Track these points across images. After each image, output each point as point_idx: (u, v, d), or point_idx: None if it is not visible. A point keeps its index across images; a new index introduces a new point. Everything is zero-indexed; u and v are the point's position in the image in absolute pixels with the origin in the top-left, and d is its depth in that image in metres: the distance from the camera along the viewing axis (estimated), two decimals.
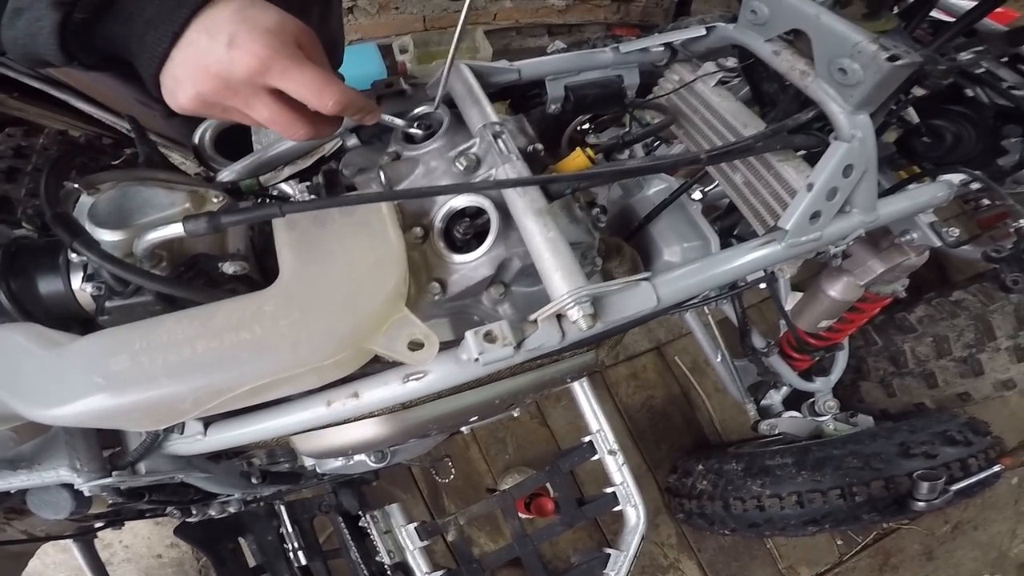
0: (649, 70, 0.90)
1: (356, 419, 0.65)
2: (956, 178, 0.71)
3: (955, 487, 1.13)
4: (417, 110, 0.72)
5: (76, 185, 0.53)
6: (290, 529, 1.12)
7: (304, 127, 0.50)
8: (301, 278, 0.47)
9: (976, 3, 0.72)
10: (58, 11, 0.45)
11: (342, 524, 1.10)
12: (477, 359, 0.49)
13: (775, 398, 1.53)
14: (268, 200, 0.65)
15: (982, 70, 0.69)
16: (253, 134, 0.88)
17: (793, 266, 0.78)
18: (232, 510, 0.95)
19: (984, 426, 1.27)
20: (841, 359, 1.43)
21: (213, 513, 0.91)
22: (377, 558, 1.13)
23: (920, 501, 1.11)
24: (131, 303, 0.50)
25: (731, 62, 0.83)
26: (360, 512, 1.11)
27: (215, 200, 0.53)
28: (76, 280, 0.54)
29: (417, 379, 0.53)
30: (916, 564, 1.83)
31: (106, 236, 0.50)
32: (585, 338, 0.54)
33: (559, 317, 0.52)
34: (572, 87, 0.84)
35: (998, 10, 0.73)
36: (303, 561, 1.16)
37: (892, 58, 0.52)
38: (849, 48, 0.56)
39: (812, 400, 1.49)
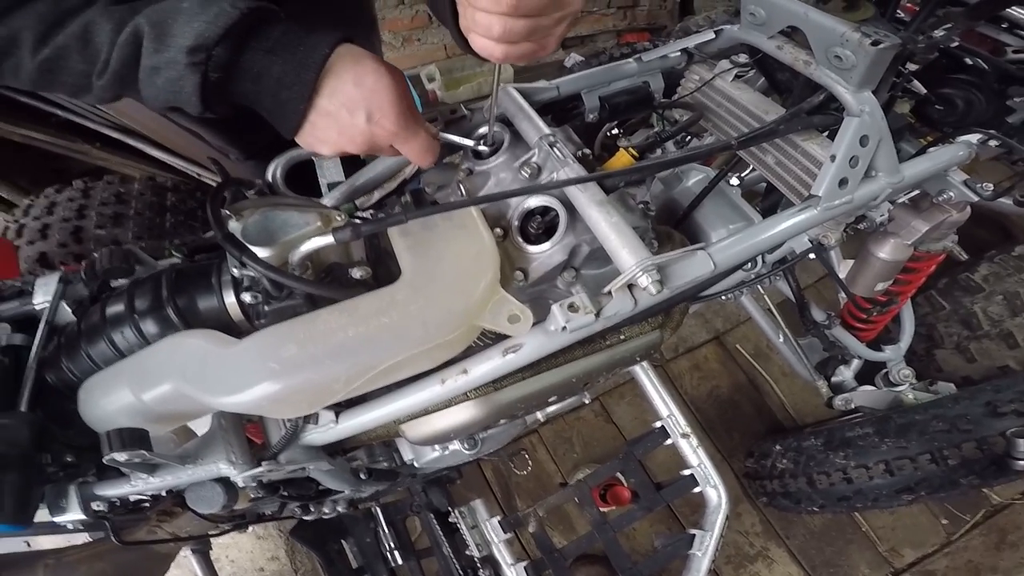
0: (670, 73, 1.04)
1: (458, 401, 0.80)
2: (974, 138, 0.82)
3: None
4: (479, 131, 0.88)
5: (227, 211, 0.70)
6: (386, 530, 1.28)
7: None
8: (421, 272, 0.63)
9: None
10: (196, 72, 0.56)
11: (434, 520, 1.25)
12: (565, 327, 0.63)
13: (846, 374, 1.59)
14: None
15: (955, 44, 0.80)
16: (317, 168, 1.06)
17: (835, 231, 0.90)
18: (340, 509, 1.11)
19: None
20: (908, 325, 1.49)
21: (326, 511, 1.08)
22: (467, 552, 1.27)
23: (1020, 460, 1.14)
24: (284, 306, 0.67)
25: (743, 58, 0.97)
26: (450, 508, 1.25)
27: (338, 218, 0.69)
28: (228, 296, 0.71)
29: (515, 351, 0.67)
30: None
31: (260, 252, 0.66)
32: (655, 304, 0.67)
33: (631, 287, 0.66)
34: (605, 97, 1.00)
35: None
36: (399, 561, 1.31)
37: (875, 43, 0.65)
38: (838, 38, 0.69)
39: (885, 371, 1.56)
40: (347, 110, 0.61)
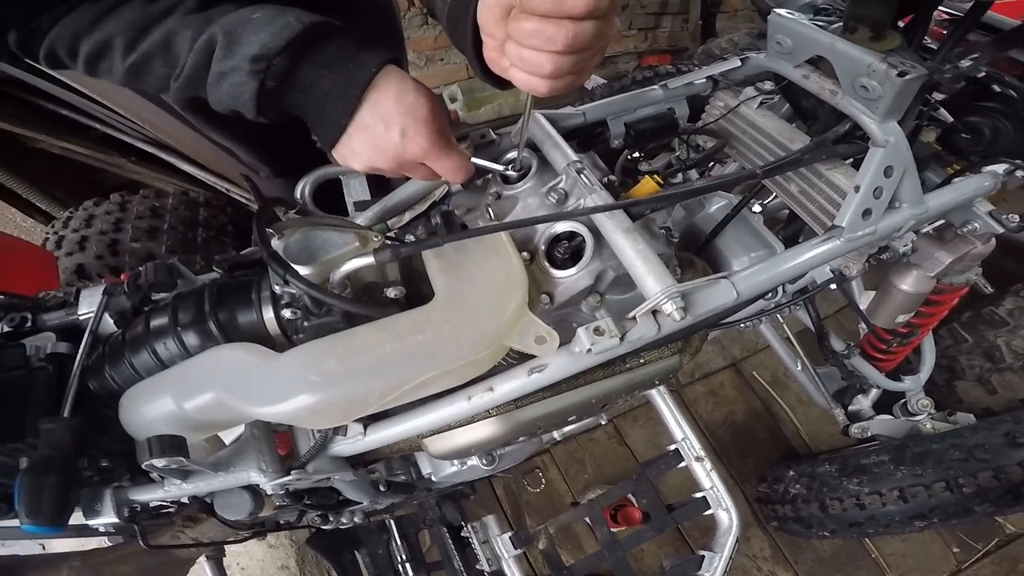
0: (695, 99, 1.07)
1: (481, 417, 0.83)
2: (1000, 168, 0.84)
3: None
4: (508, 155, 0.92)
5: (270, 230, 0.74)
6: (399, 542, 1.31)
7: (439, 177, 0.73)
8: (454, 293, 0.67)
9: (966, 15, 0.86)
10: (255, 79, 0.62)
11: (446, 534, 1.27)
12: (590, 350, 0.66)
13: (864, 403, 1.60)
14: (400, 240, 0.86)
15: (982, 74, 0.82)
16: (344, 187, 1.11)
17: (857, 262, 0.91)
18: (357, 520, 1.14)
19: None
20: (929, 356, 1.49)
21: (344, 520, 1.11)
22: (477, 566, 1.29)
23: None
24: (322, 322, 0.70)
25: (768, 85, 1.00)
26: (462, 523, 1.28)
27: (375, 239, 0.73)
28: (266, 311, 0.75)
29: (540, 371, 0.70)
30: None
31: (301, 270, 0.69)
32: (677, 330, 0.70)
33: (655, 313, 0.69)
34: (631, 123, 1.03)
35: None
36: (410, 573, 1.33)
37: (901, 73, 0.67)
38: (864, 68, 0.71)
39: (904, 401, 1.56)
40: (384, 124, 0.64)
